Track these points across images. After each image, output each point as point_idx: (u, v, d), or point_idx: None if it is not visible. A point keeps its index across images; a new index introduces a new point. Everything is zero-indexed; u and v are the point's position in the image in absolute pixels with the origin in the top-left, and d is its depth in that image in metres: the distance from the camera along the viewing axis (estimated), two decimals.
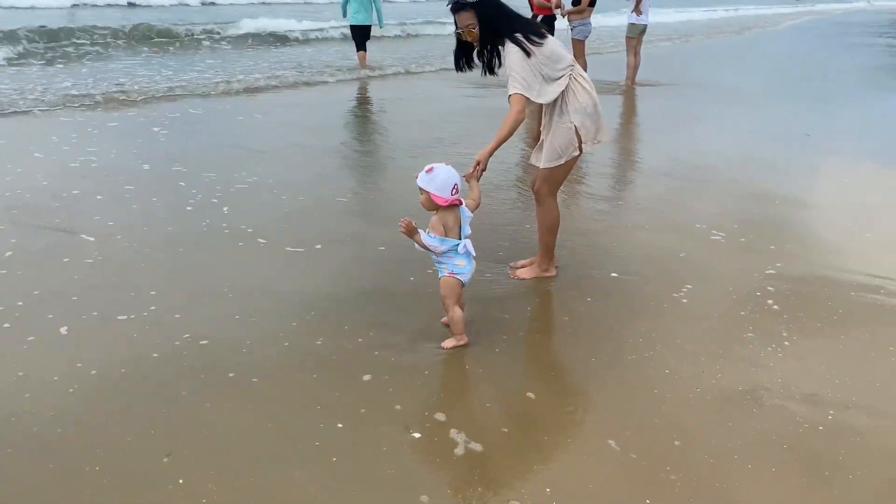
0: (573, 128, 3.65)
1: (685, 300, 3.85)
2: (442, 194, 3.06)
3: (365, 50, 12.21)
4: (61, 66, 11.26)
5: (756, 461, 2.56)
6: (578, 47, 10.73)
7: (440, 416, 2.77)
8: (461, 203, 3.15)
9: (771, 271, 4.22)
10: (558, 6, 10.41)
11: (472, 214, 3.21)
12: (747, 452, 2.61)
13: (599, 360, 3.21)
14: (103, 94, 8.94)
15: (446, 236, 3.12)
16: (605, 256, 4.37)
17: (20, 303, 3.54)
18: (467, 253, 3.16)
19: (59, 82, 9.63)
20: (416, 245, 3.14)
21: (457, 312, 3.23)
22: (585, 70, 10.13)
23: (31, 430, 2.60)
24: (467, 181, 3.32)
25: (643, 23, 11.33)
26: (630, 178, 6.58)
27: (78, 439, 2.56)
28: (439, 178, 3.04)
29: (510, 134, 3.45)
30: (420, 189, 3.09)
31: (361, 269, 4.07)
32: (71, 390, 2.85)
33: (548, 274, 4.03)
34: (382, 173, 6.31)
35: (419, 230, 3.09)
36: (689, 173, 6.40)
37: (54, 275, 3.88)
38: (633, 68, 11.55)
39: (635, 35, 11.40)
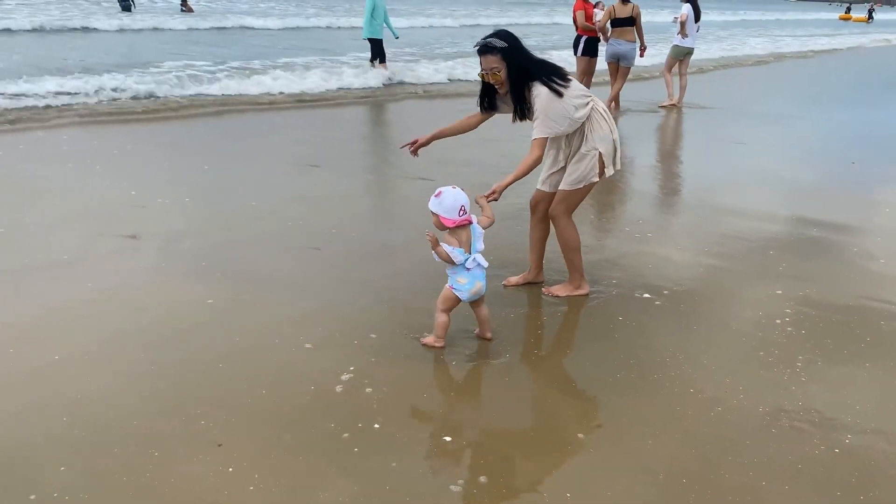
0: (598, 154, 3.84)
1: (715, 322, 3.96)
2: (449, 216, 3.30)
3: (374, 60, 13.09)
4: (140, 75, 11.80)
5: (770, 479, 2.67)
6: (610, 69, 10.80)
7: (467, 426, 2.95)
8: (471, 222, 3.37)
9: (802, 296, 4.30)
10: (602, 29, 10.53)
11: (483, 231, 3.43)
12: (762, 470, 2.72)
13: (626, 377, 3.36)
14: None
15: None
16: (637, 276, 4.50)
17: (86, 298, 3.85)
18: (477, 267, 3.36)
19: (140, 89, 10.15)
20: (436, 256, 3.36)
21: (442, 318, 3.47)
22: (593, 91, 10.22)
23: (76, 419, 2.87)
24: (477, 202, 3.53)
25: (688, 46, 11.35)
26: (665, 199, 6.68)
27: (126, 424, 2.82)
28: (447, 202, 3.29)
29: (526, 174, 3.70)
30: (431, 212, 3.33)
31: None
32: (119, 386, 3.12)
33: (580, 291, 4.18)
34: None
35: (441, 243, 3.34)
36: (725, 196, 6.47)
37: (110, 276, 4.18)
38: (682, 88, 11.59)
39: (680, 57, 11.43)
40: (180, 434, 2.78)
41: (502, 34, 3.71)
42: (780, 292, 4.36)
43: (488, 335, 3.59)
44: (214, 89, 10.57)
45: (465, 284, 3.39)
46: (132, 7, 25.88)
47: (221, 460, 2.64)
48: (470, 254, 3.38)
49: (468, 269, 3.37)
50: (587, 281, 4.23)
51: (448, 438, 2.84)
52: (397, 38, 13.57)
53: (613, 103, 10.75)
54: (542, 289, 4.23)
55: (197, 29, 20.92)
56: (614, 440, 2.89)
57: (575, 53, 10.90)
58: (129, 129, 8.51)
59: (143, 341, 3.48)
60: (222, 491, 2.48)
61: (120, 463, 2.60)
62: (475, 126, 4.04)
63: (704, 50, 21.56)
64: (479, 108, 3.96)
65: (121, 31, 19.25)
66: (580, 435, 2.92)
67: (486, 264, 3.42)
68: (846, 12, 62.98)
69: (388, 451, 2.73)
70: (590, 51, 10.72)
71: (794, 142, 9.58)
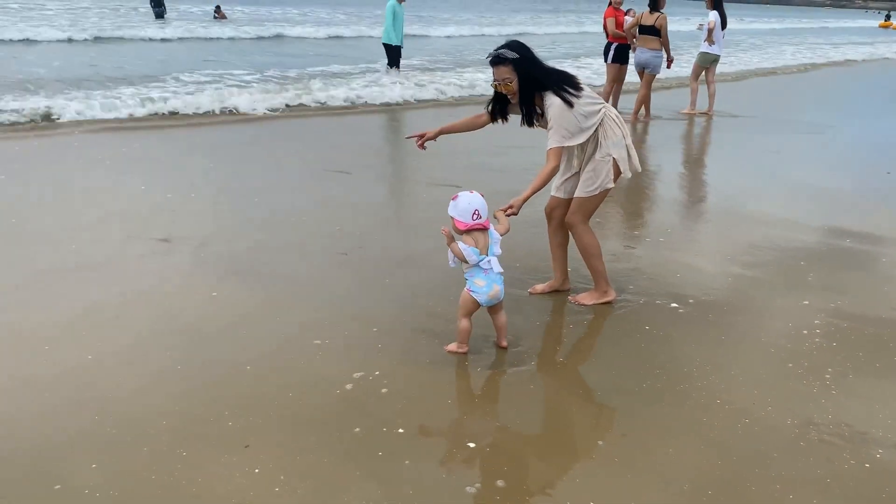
0: (612, 160, 3.87)
1: (743, 332, 3.92)
2: (463, 219, 3.34)
3: (391, 66, 13.49)
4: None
5: (798, 493, 2.64)
6: (639, 77, 10.76)
7: (490, 432, 2.96)
8: (485, 227, 3.39)
9: (834, 308, 4.24)
10: (634, 36, 10.50)
11: (500, 237, 3.45)
12: (790, 484, 2.68)
13: (651, 386, 3.33)
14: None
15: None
16: (664, 285, 4.47)
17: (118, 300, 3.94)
18: (491, 271, 3.37)
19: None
20: (450, 258, 3.39)
21: (463, 324, 3.48)
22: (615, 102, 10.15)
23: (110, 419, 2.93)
24: (495, 216, 3.55)
25: (715, 53, 11.32)
26: (694, 207, 6.62)
27: (155, 423, 2.87)
28: (461, 205, 3.34)
29: (544, 185, 3.72)
30: (450, 216, 3.39)
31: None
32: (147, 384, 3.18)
33: (607, 298, 4.17)
34: None
35: (455, 241, 3.37)
36: (756, 204, 6.40)
37: (142, 278, 4.27)
38: (711, 96, 11.54)
39: (706, 64, 11.39)
40: (208, 434, 2.82)
41: (514, 45, 3.73)
42: (809, 303, 4.30)
43: (503, 343, 3.59)
44: (244, 102, 10.41)
45: (483, 287, 3.40)
46: (164, 13, 26.35)
47: (248, 461, 2.68)
48: (486, 256, 3.40)
49: (485, 272, 3.39)
50: (613, 288, 4.21)
51: (472, 444, 2.85)
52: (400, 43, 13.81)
53: (644, 111, 10.70)
54: (569, 297, 4.22)
55: (236, 38, 20.98)
56: (639, 450, 2.87)
57: (605, 60, 10.88)
58: (161, 136, 8.67)
59: (174, 342, 3.54)
60: (248, 492, 2.52)
61: (148, 461, 2.65)
62: (482, 126, 4.10)
63: (740, 59, 21.39)
64: (488, 113, 3.99)
65: (162, 40, 19.42)
66: (604, 444, 2.91)
67: (500, 270, 3.42)
68: (886, 20, 61.87)
69: (411, 455, 2.75)
70: (620, 58, 10.69)
71: (828, 151, 9.44)
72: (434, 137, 4.10)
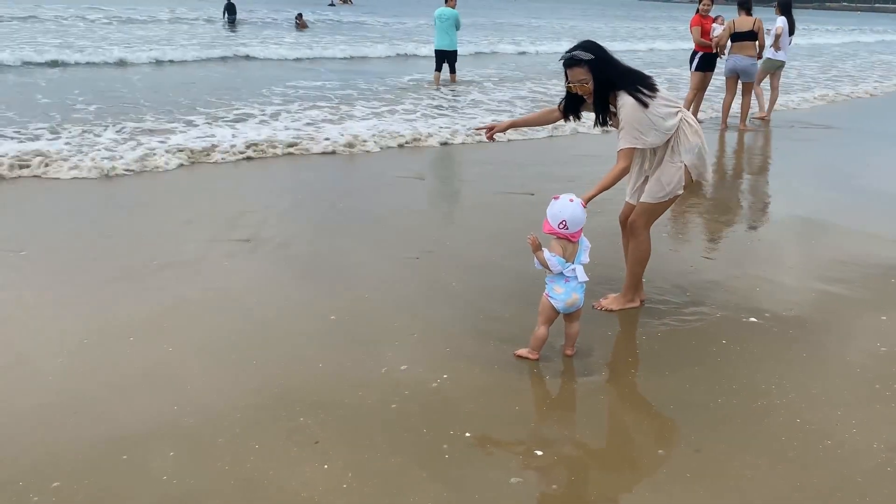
0: (683, 166, 3.79)
1: (827, 350, 3.75)
2: (551, 222, 3.32)
3: (440, 70, 13.62)
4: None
5: None
6: (728, 84, 10.45)
7: (559, 441, 2.93)
8: (567, 239, 3.34)
9: None
10: (719, 44, 10.24)
11: (590, 245, 3.41)
12: None
13: (727, 402, 3.23)
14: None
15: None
16: (744, 299, 4.32)
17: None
18: (573, 279, 3.33)
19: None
20: (536, 262, 3.38)
21: (540, 331, 3.44)
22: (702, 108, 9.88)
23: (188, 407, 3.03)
24: None
25: (781, 59, 11.05)
26: (777, 219, 6.37)
27: (230, 416, 2.96)
28: (554, 209, 3.32)
29: (613, 185, 3.66)
30: None
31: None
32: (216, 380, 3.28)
33: (633, 304, 4.12)
34: None
35: (543, 248, 3.34)
36: (843, 218, 6.11)
37: (225, 277, 4.42)
38: (772, 101, 11.37)
39: (771, 70, 11.14)
40: (280, 429, 2.90)
41: (588, 45, 3.67)
42: None
43: (569, 352, 3.55)
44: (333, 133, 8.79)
45: (561, 294, 3.37)
46: (236, 20, 26.81)
47: (318, 457, 2.73)
48: (572, 263, 3.36)
49: (566, 280, 3.35)
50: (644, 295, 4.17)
51: (539, 452, 2.82)
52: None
53: (740, 121, 10.41)
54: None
55: (323, 58, 18.22)
56: (712, 467, 2.78)
57: (690, 68, 10.66)
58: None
59: (251, 338, 3.65)
60: (317, 487, 2.57)
61: (223, 452, 2.74)
62: (553, 122, 4.08)
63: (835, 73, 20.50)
64: (560, 112, 3.95)
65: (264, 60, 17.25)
66: (675, 458, 2.83)
67: (585, 278, 3.38)
68: None
69: (477, 460, 2.75)
70: (705, 66, 10.46)
71: None
72: (504, 130, 4.11)
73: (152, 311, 3.92)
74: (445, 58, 13.64)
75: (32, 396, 3.09)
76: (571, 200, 3.32)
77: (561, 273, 3.34)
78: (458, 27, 13.56)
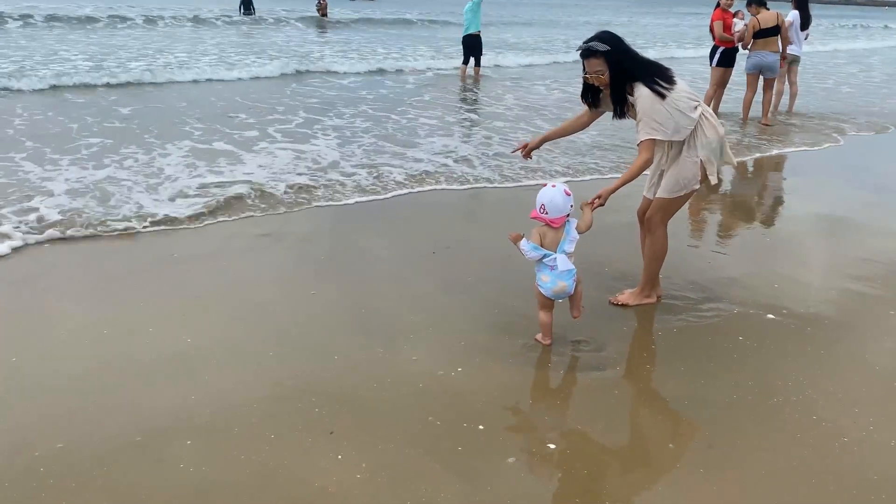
0: (699, 162, 3.79)
1: (845, 348, 3.72)
2: (536, 208, 3.38)
3: (467, 63, 13.51)
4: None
5: None
6: (749, 80, 10.32)
7: (572, 435, 2.93)
8: (549, 225, 3.39)
9: None
10: (741, 39, 10.11)
11: (578, 236, 3.43)
12: None
13: (742, 398, 3.22)
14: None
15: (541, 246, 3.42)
16: (761, 296, 4.29)
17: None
18: (556, 268, 3.37)
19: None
20: (524, 253, 3.45)
21: (540, 317, 3.56)
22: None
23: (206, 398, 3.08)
24: (581, 208, 3.52)
25: (794, 53, 10.88)
26: (799, 216, 6.31)
27: (247, 406, 3.00)
28: (539, 194, 3.38)
29: (635, 178, 3.66)
30: None
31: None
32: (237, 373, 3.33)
33: (650, 300, 4.10)
34: None
35: (523, 238, 3.42)
36: (866, 216, 6.04)
37: (245, 270, 4.47)
38: (792, 97, 11.25)
39: (785, 65, 10.97)
40: (296, 420, 2.93)
41: (605, 36, 3.67)
42: None
43: (575, 314, 3.60)
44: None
45: (548, 283, 3.43)
46: (253, 11, 26.62)
47: (332, 447, 2.76)
48: (553, 253, 3.39)
49: (551, 269, 3.39)
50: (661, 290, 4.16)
51: (552, 445, 2.84)
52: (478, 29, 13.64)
53: (763, 117, 10.29)
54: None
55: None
56: (726, 462, 2.78)
57: (710, 63, 10.55)
58: None
59: (268, 330, 3.69)
60: (331, 476, 2.60)
61: (239, 441, 2.78)
62: (586, 125, 4.04)
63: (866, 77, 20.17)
64: (585, 105, 3.93)
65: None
66: (689, 455, 2.83)
67: (567, 267, 3.40)
68: None
69: (491, 453, 2.76)
70: (726, 62, 10.34)
71: None
72: (538, 146, 4.10)
73: (172, 303, 3.98)
74: (472, 49, 13.57)
75: (52, 387, 3.15)
76: (554, 186, 3.38)
77: (544, 262, 3.39)
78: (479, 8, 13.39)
